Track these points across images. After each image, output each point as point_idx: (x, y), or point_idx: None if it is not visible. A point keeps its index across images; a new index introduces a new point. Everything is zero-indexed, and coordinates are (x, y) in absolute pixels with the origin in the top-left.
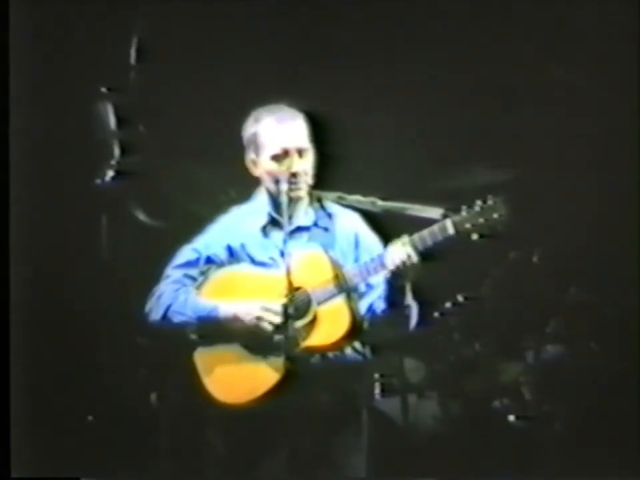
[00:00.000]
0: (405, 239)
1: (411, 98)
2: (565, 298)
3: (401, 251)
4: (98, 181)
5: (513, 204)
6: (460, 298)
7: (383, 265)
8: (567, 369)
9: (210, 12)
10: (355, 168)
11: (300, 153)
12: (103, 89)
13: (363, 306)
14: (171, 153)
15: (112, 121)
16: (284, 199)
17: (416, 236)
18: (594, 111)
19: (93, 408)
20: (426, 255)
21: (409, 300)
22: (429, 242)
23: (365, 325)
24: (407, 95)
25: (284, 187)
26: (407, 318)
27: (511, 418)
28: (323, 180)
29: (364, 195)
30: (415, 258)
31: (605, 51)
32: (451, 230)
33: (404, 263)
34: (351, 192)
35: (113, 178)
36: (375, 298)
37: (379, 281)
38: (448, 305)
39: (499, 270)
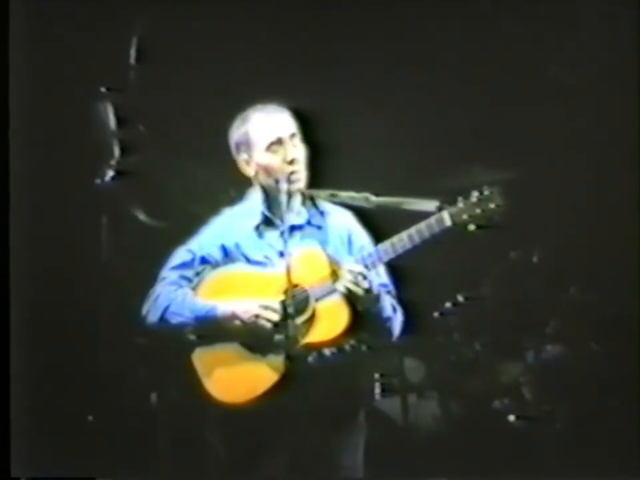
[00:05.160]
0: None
1: (406, 95)
2: (565, 298)
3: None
4: (98, 181)
5: (513, 204)
6: (460, 298)
7: (380, 260)
8: (567, 368)
9: (210, 12)
10: (348, 165)
11: (293, 140)
12: (103, 89)
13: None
14: (171, 153)
15: (112, 121)
16: (284, 198)
17: (413, 229)
18: (594, 110)
19: (93, 408)
20: (426, 253)
21: (390, 311)
22: (426, 234)
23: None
24: (401, 91)
25: (284, 186)
26: (390, 328)
27: (511, 418)
28: (317, 177)
29: (357, 191)
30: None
31: (605, 50)
32: (447, 221)
33: (356, 284)
34: (344, 189)
35: (113, 178)
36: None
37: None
38: (448, 304)
39: (499, 270)
